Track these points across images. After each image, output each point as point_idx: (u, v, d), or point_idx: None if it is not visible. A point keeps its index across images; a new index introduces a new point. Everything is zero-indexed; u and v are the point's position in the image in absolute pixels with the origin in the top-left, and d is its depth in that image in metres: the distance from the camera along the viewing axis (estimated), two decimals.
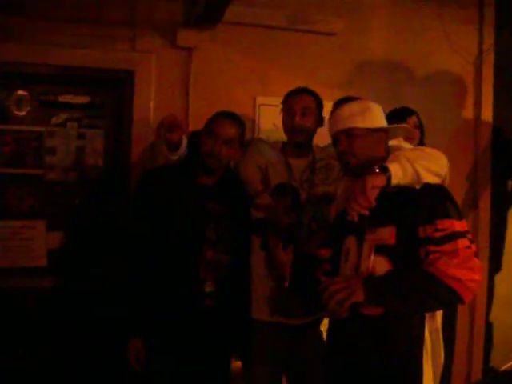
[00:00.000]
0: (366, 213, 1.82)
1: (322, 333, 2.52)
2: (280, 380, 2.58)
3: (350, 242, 1.98)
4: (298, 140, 2.47)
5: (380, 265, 1.85)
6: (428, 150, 2.02)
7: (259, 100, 3.12)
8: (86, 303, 2.92)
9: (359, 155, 1.93)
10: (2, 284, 2.88)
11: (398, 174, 1.82)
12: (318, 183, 2.48)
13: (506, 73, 3.50)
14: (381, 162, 1.90)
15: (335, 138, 1.99)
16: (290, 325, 2.43)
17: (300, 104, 2.44)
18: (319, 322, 2.53)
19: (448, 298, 1.77)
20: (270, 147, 2.60)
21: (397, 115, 2.67)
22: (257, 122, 3.12)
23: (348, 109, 1.98)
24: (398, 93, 3.28)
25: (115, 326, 2.38)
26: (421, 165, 1.85)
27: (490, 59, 3.47)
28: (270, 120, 3.09)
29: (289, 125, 2.46)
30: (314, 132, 2.51)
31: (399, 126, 2.14)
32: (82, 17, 2.89)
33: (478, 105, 3.47)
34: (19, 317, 2.92)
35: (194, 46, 3.01)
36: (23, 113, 2.97)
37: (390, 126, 2.03)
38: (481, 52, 3.47)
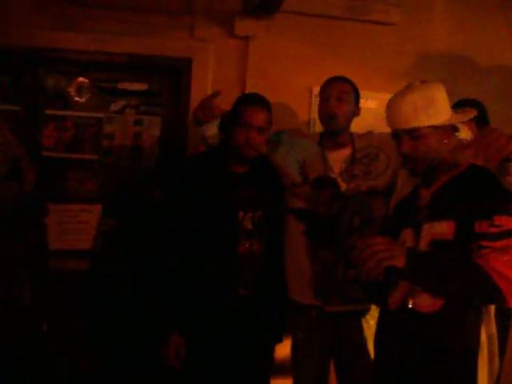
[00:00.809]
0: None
1: (362, 327, 2.49)
2: (327, 365, 2.55)
3: (407, 235, 1.92)
4: (332, 128, 2.43)
5: None
6: None
7: (315, 90, 3.08)
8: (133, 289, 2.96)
9: (426, 157, 1.81)
10: (58, 266, 2.95)
11: None
12: (359, 174, 2.42)
13: None
14: (446, 158, 1.83)
15: (396, 134, 1.85)
16: (332, 311, 2.41)
17: (335, 90, 2.41)
18: (362, 314, 2.49)
19: (490, 295, 1.64)
20: (306, 139, 2.59)
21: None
22: (313, 113, 3.08)
23: (410, 102, 1.79)
24: (457, 85, 3.17)
25: (153, 321, 2.37)
26: None
27: None
28: None
29: (323, 112, 2.43)
30: (349, 120, 2.46)
31: (466, 115, 1.97)
32: (141, 5, 2.93)
33: None
34: (72, 298, 2.99)
35: (252, 35, 3.01)
36: (83, 99, 3.04)
37: (458, 116, 1.87)
38: None
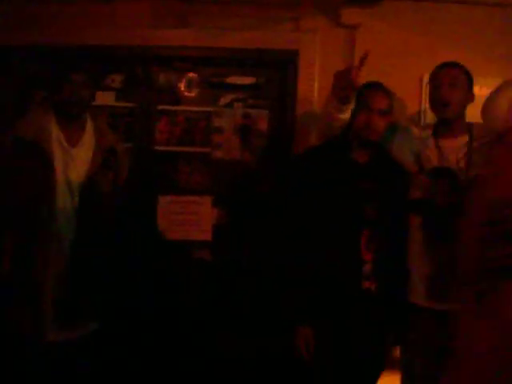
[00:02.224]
0: None
1: None
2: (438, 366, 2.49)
3: None
4: (445, 116, 2.33)
5: None
6: None
7: (426, 78, 2.99)
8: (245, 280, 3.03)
9: None
10: (172, 255, 3.08)
11: None
12: (479, 163, 2.32)
13: None
14: None
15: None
16: (444, 311, 2.34)
17: (447, 76, 2.32)
18: None
19: None
20: (420, 130, 2.52)
21: None
22: (424, 101, 3.00)
23: (507, 100, 1.81)
24: None
25: (282, 312, 2.40)
26: None
27: None
28: None
29: (436, 99, 2.34)
30: (463, 107, 2.36)
31: None
32: (247, 0, 2.97)
33: None
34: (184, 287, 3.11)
35: (358, 24, 2.97)
36: (193, 94, 3.13)
37: None
38: None
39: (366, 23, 2.97)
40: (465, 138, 2.37)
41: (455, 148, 2.36)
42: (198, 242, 3.11)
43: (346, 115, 2.36)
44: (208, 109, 3.13)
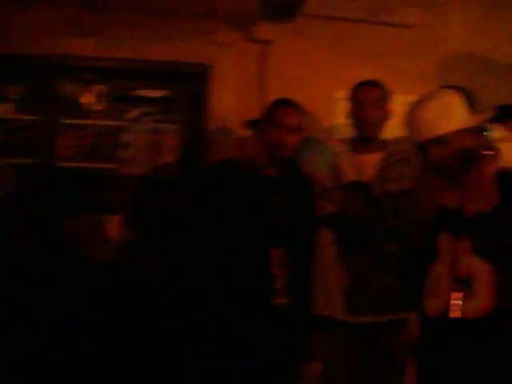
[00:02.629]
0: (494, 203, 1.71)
1: (405, 341, 2.43)
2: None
3: (444, 240, 1.89)
4: (367, 134, 2.40)
5: (480, 267, 1.75)
6: None
7: (336, 94, 3.05)
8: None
9: (454, 158, 1.80)
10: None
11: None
12: (393, 178, 2.39)
13: None
14: (477, 158, 1.82)
15: (422, 146, 1.85)
16: (360, 324, 2.36)
17: (369, 96, 2.37)
18: (400, 324, 2.44)
19: None
20: (338, 144, 2.55)
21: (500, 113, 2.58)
22: (333, 116, 3.04)
23: (430, 112, 1.82)
24: (476, 84, 3.14)
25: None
26: None
27: None
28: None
29: (358, 118, 2.39)
30: (383, 126, 2.42)
31: (486, 114, 2.00)
32: (160, 10, 2.87)
33: None
34: None
35: (272, 40, 2.97)
36: (100, 107, 2.98)
37: (479, 117, 1.91)
38: None
39: (280, 39, 2.97)
40: (380, 154, 2.42)
41: (371, 163, 2.40)
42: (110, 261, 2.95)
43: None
44: (116, 123, 2.98)
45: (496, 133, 2.04)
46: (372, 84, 2.41)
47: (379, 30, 3.10)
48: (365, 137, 2.40)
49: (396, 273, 2.26)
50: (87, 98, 2.96)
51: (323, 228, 2.40)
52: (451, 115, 1.81)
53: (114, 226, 2.96)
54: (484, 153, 1.77)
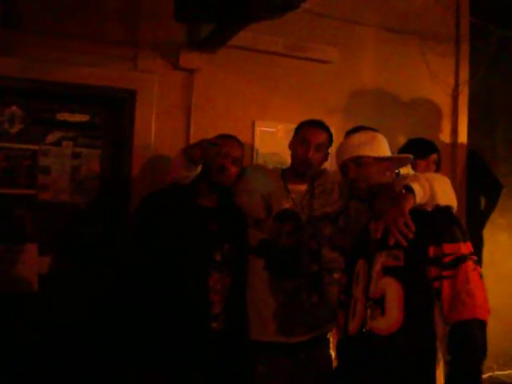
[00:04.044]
0: (411, 236, 1.86)
1: (330, 356, 2.56)
2: None
3: (360, 265, 2.05)
4: (305, 172, 2.54)
5: (390, 286, 1.91)
6: (437, 175, 2.14)
7: (258, 124, 3.14)
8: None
9: (369, 181, 2.04)
10: None
11: (420, 193, 1.90)
12: (318, 208, 2.54)
13: (479, 103, 3.73)
14: (390, 186, 2.01)
15: (344, 165, 2.10)
16: (293, 343, 2.45)
17: (316, 139, 2.49)
18: (325, 339, 2.56)
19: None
20: (270, 173, 2.66)
21: (420, 149, 2.79)
22: (255, 146, 3.12)
23: (357, 138, 2.10)
24: (384, 119, 3.39)
25: (122, 357, 2.35)
26: (438, 186, 1.93)
27: (465, 91, 3.68)
28: (268, 144, 3.13)
29: (300, 156, 2.51)
30: (319, 166, 2.58)
31: (402, 156, 2.29)
32: (83, 33, 2.80)
33: (454, 131, 3.67)
34: None
35: (196, 68, 2.99)
36: (15, 130, 2.82)
37: (395, 155, 2.18)
38: (457, 84, 3.67)
39: (204, 68, 3.01)
40: (308, 184, 2.55)
41: (301, 193, 2.53)
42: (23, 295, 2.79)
43: (192, 173, 2.36)
44: (33, 147, 2.84)
45: (404, 170, 2.23)
46: (321, 127, 2.54)
47: (298, 64, 3.25)
48: (300, 172, 2.51)
49: (319, 292, 2.44)
50: (2, 120, 2.79)
51: (254, 255, 2.49)
52: (374, 144, 2.08)
53: (29, 256, 2.82)
54: (401, 190, 1.93)
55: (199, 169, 2.36)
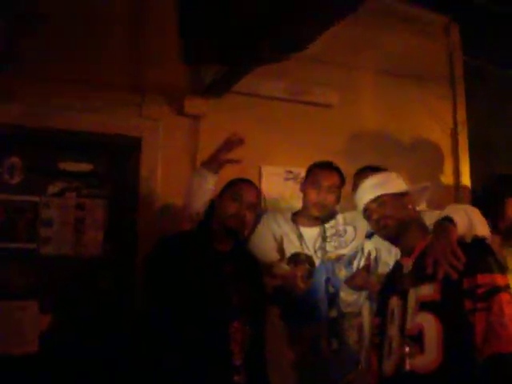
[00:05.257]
0: (461, 267, 1.77)
1: None
2: None
3: (394, 303, 1.96)
4: (318, 215, 2.48)
5: (427, 322, 1.82)
6: (470, 206, 2.09)
7: (264, 169, 3.09)
8: None
9: (394, 217, 1.98)
10: None
11: (461, 224, 1.84)
12: (331, 250, 2.49)
13: (478, 142, 3.74)
14: (416, 222, 1.96)
15: (365, 209, 2.05)
16: None
17: (329, 181, 2.46)
18: None
19: None
20: (280, 217, 2.60)
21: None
22: (263, 191, 3.05)
23: (371, 180, 2.09)
24: (386, 160, 3.35)
25: None
26: (475, 217, 1.89)
27: (464, 130, 3.70)
28: (274, 189, 3.08)
29: (312, 199, 2.46)
30: (331, 208, 2.54)
31: (420, 186, 2.19)
32: (87, 80, 2.75)
33: (456, 171, 3.67)
34: None
35: (201, 114, 2.96)
36: (16, 181, 2.71)
37: (413, 187, 2.12)
38: (456, 124, 3.70)
39: (209, 114, 2.97)
40: (320, 227, 2.51)
41: (313, 236, 2.48)
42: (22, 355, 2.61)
43: (208, 186, 2.36)
44: (35, 198, 2.72)
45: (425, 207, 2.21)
46: (331, 168, 2.50)
47: (301, 109, 3.25)
48: (312, 215, 2.44)
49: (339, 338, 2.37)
50: (1, 171, 2.69)
51: (269, 304, 2.39)
52: (389, 182, 2.07)
53: (30, 314, 2.66)
54: (440, 222, 1.87)
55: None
